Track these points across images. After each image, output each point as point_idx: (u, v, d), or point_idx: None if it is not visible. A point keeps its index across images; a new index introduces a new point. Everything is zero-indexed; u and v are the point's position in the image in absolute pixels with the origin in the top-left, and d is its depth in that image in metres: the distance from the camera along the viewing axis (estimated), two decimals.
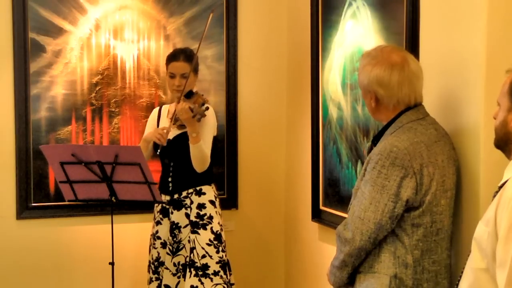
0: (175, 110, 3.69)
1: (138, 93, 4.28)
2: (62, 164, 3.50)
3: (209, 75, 4.33)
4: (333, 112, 3.72)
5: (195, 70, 3.83)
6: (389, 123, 2.55)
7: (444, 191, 2.46)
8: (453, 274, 2.57)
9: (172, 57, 3.81)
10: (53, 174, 3.87)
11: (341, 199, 3.66)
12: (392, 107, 2.53)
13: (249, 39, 4.45)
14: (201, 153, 3.66)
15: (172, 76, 3.78)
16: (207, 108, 3.61)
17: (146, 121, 4.11)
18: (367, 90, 2.56)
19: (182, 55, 3.79)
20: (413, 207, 2.43)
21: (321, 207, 3.91)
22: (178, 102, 3.69)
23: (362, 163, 3.36)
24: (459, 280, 2.14)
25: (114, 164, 3.45)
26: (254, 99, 4.49)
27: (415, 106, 2.53)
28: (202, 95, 3.78)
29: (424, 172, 2.41)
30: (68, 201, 3.69)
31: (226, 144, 4.42)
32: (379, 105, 2.56)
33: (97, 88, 4.21)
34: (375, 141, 2.61)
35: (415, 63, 2.55)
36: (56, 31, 4.12)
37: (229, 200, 4.43)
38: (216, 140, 3.82)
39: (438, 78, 2.71)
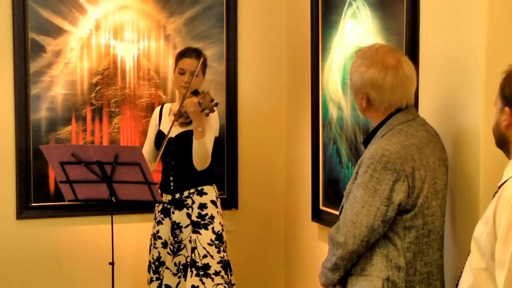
0: (180, 107, 3.69)
1: (138, 93, 4.28)
2: (62, 164, 3.50)
3: (209, 75, 4.31)
4: (333, 112, 3.72)
5: (204, 71, 3.84)
6: (379, 124, 2.55)
7: (435, 193, 2.46)
8: (452, 274, 2.57)
9: (184, 54, 3.82)
10: (53, 174, 3.87)
11: (341, 199, 3.62)
12: (383, 109, 2.52)
13: (249, 39, 4.45)
14: (204, 149, 3.67)
15: (182, 72, 3.78)
16: (216, 104, 3.63)
17: (146, 121, 4.11)
18: (359, 90, 2.55)
19: (194, 53, 3.81)
20: (405, 210, 2.42)
21: (321, 207, 3.91)
22: (183, 100, 3.69)
23: None
24: (458, 280, 2.14)
25: (114, 164, 3.45)
26: (254, 99, 4.49)
27: (406, 107, 2.53)
28: (208, 92, 3.79)
29: (416, 175, 2.41)
30: (68, 201, 3.69)
31: (226, 144, 4.41)
32: (370, 106, 2.55)
33: (97, 88, 4.21)
34: (366, 143, 2.61)
35: (409, 66, 2.52)
36: (56, 31, 4.12)
37: (229, 200, 4.43)
38: (216, 140, 3.82)
39: (438, 78, 2.71)
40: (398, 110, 2.51)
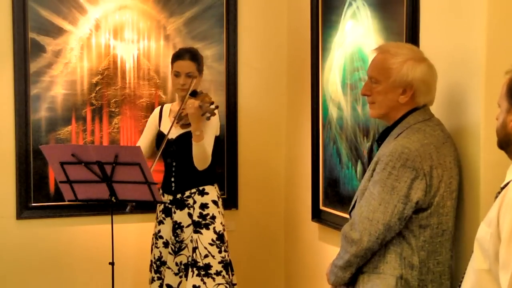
0: (179, 109, 3.69)
1: (138, 93, 4.28)
2: (62, 164, 3.50)
3: (209, 75, 4.33)
4: (333, 112, 3.72)
5: (200, 71, 3.84)
6: (395, 123, 2.54)
7: (450, 193, 2.46)
8: (455, 274, 2.57)
9: (178, 56, 3.82)
10: (53, 174, 3.87)
11: (341, 199, 3.65)
12: (405, 107, 2.51)
13: (249, 39, 4.45)
14: (203, 151, 3.67)
15: (177, 74, 3.79)
16: (217, 107, 3.63)
17: (146, 121, 4.10)
18: (407, 85, 2.49)
19: (188, 54, 3.80)
20: (422, 209, 2.42)
21: (321, 207, 3.91)
22: (183, 101, 3.70)
23: (362, 163, 3.37)
24: (461, 281, 2.14)
25: (114, 164, 3.45)
26: (254, 99, 4.48)
27: (422, 106, 2.53)
28: (207, 94, 3.79)
29: (433, 174, 2.41)
30: (68, 201, 3.69)
31: (226, 144, 4.41)
32: (405, 104, 2.51)
33: (97, 88, 4.21)
34: (380, 141, 2.60)
35: None
36: (56, 31, 4.12)
37: (229, 200, 4.43)
38: (216, 140, 3.82)
39: (438, 79, 2.71)
40: (414, 109, 2.51)
